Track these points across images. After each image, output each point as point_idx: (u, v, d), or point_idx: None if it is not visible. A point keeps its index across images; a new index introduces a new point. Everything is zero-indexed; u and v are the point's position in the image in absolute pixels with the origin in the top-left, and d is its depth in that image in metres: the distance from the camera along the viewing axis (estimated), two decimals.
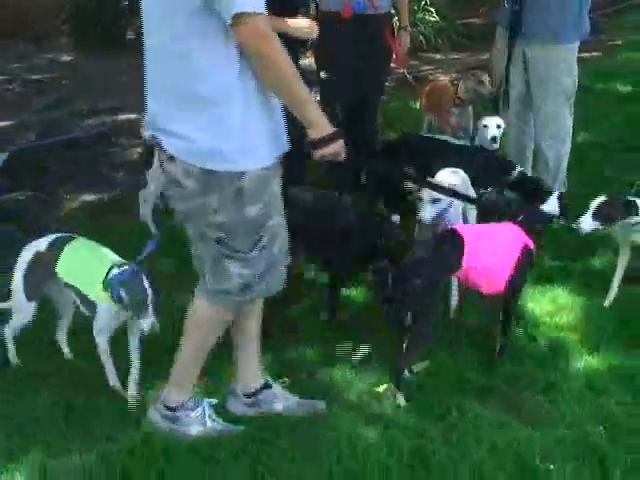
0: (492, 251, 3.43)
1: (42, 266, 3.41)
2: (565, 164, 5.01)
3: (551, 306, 3.89)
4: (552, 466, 2.87)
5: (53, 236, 3.49)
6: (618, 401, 3.26)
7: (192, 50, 2.56)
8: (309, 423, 3.08)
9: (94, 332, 3.30)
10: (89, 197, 5.72)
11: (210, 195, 2.69)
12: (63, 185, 5.84)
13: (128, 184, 5.75)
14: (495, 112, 5.10)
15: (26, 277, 3.42)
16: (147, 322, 3.11)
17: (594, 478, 2.83)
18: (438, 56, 9.53)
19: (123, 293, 3.12)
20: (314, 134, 2.68)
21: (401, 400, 3.24)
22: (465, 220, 4.18)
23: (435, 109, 5.62)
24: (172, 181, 2.75)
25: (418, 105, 6.29)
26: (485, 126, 4.90)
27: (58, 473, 2.83)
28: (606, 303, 3.97)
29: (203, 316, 3.00)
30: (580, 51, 4.99)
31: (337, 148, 2.71)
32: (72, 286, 3.35)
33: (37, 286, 3.44)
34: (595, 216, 3.69)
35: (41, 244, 3.45)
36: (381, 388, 3.34)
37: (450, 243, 3.41)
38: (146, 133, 2.79)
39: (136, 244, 3.58)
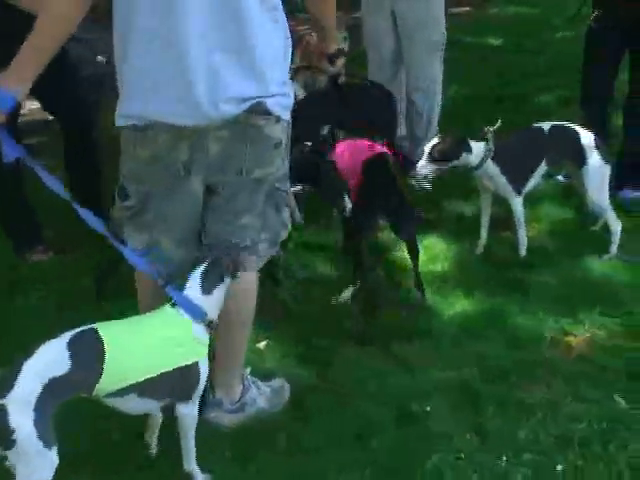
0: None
1: None
2: (437, 115, 5.09)
3: (425, 255, 3.97)
4: (428, 408, 2.95)
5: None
6: (491, 343, 3.36)
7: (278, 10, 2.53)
8: None
9: None
10: None
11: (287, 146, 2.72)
12: None
13: None
14: None
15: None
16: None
17: (469, 416, 2.92)
18: None
19: None
20: None
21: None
22: None
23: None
24: (270, 145, 2.63)
25: None
26: None
27: None
28: (477, 251, 4.09)
29: (252, 290, 2.87)
30: (450, 6, 5.05)
31: None
32: None
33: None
34: (430, 158, 3.81)
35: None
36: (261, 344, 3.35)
37: None
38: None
39: None
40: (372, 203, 3.60)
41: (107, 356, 2.30)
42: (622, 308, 3.54)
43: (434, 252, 4.10)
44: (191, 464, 2.61)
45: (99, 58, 5.69)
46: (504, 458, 2.72)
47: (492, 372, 3.16)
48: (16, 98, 2.50)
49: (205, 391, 2.75)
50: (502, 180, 3.93)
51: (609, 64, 4.55)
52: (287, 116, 2.65)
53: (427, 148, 3.86)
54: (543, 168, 4.02)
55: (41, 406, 2.16)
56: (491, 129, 3.89)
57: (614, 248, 4.03)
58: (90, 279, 3.73)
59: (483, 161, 3.87)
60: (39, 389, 2.17)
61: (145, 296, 2.85)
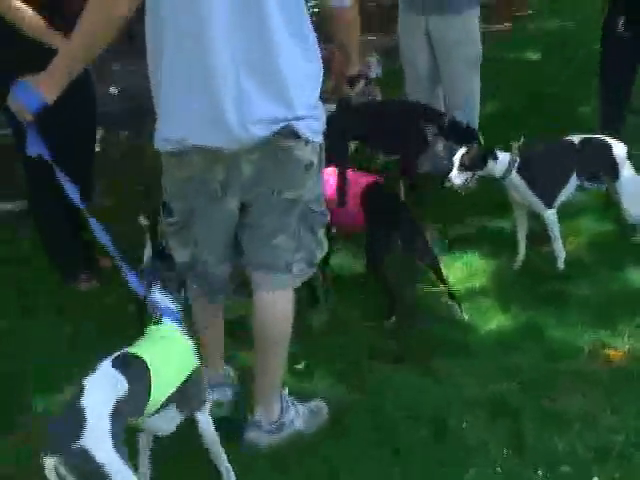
0: None
1: None
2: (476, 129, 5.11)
3: (463, 272, 3.99)
4: (465, 422, 2.97)
5: None
6: (528, 355, 3.37)
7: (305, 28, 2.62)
8: None
9: None
10: None
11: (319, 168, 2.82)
12: None
13: None
14: None
15: None
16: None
17: (505, 429, 2.94)
18: None
19: None
20: None
21: None
22: None
23: None
24: (301, 167, 2.73)
25: None
26: None
27: None
28: (515, 266, 4.09)
29: (288, 309, 2.92)
30: (490, 22, 5.08)
31: None
32: None
33: None
34: (460, 166, 3.86)
35: None
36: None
37: None
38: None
39: None
40: (382, 230, 3.69)
41: (152, 377, 2.36)
42: None
43: (472, 268, 4.12)
44: (224, 463, 2.70)
45: (112, 90, 5.81)
46: (540, 472, 2.73)
47: (529, 384, 3.18)
48: (45, 101, 2.63)
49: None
50: (529, 193, 3.93)
51: (630, 70, 4.56)
52: (318, 138, 2.73)
53: (456, 158, 3.89)
54: (575, 181, 4.02)
55: (115, 430, 2.11)
56: (516, 144, 3.91)
57: None
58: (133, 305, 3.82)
59: (508, 172, 3.88)
60: (108, 413, 2.13)
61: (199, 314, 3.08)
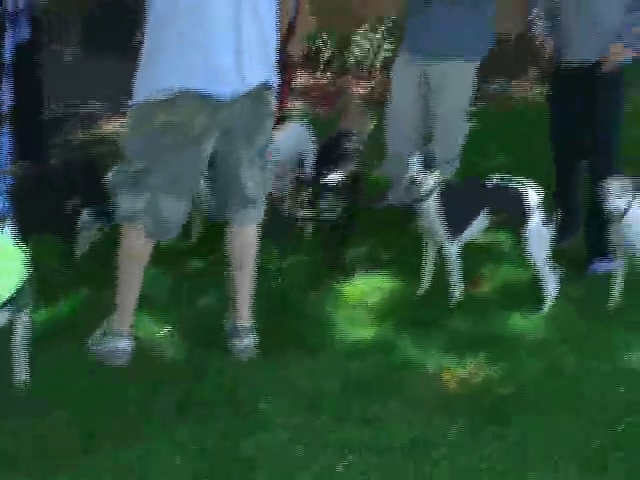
0: None
1: None
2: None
3: (362, 288, 4.32)
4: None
5: None
6: (371, 364, 3.60)
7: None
8: None
9: None
10: None
11: None
12: None
13: None
14: None
15: None
16: None
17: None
18: None
19: None
20: None
21: None
22: None
23: None
24: (271, 115, 3.51)
25: None
26: None
27: None
28: (418, 292, 4.30)
29: (257, 238, 3.64)
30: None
31: None
32: None
33: None
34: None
35: None
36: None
37: None
38: None
39: None
40: None
41: None
42: (509, 359, 3.67)
43: (372, 287, 4.33)
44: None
45: None
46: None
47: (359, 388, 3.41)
48: None
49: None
50: (438, 222, 4.09)
51: None
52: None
53: (418, 158, 4.12)
54: (484, 220, 4.17)
55: None
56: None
57: (546, 309, 4.12)
58: None
59: (429, 194, 4.08)
60: None
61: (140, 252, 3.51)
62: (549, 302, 4.12)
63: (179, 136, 3.23)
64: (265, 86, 3.37)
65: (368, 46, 10.09)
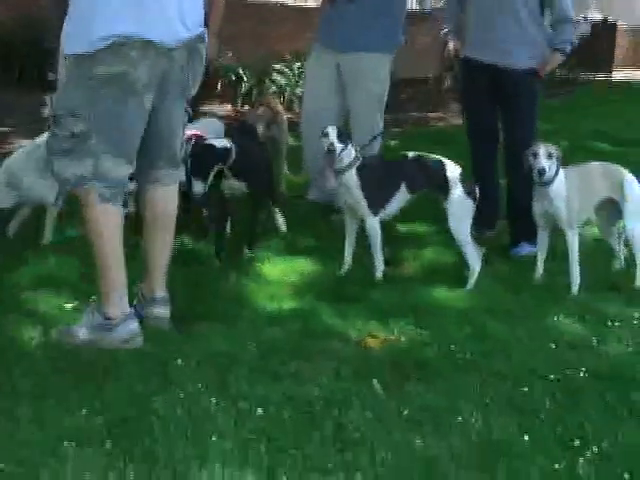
0: None
1: None
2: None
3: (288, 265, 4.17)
4: None
5: None
6: (287, 332, 3.42)
7: None
8: None
9: None
10: None
11: None
12: None
13: None
14: None
15: None
16: None
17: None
18: None
19: None
20: None
21: None
22: None
23: None
24: (202, 67, 3.37)
25: None
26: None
27: None
28: (341, 272, 4.16)
29: (177, 199, 3.53)
30: None
31: None
32: None
33: None
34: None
35: None
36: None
37: None
38: None
39: None
40: None
41: None
42: (435, 325, 3.54)
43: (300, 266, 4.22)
44: None
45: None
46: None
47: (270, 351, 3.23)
48: None
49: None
50: (360, 195, 3.98)
51: None
52: None
53: (333, 129, 3.98)
54: (404, 195, 4.07)
55: None
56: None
57: (470, 284, 4.00)
58: None
59: (349, 166, 3.97)
60: None
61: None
62: (474, 276, 4.02)
63: (123, 88, 3.03)
64: (200, 38, 3.24)
65: (285, 81, 10.14)
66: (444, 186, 4.03)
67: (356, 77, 5.08)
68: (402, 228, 4.84)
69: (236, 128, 5.05)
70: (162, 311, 3.40)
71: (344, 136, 4.00)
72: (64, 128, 3.08)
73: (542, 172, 3.86)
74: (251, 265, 4.16)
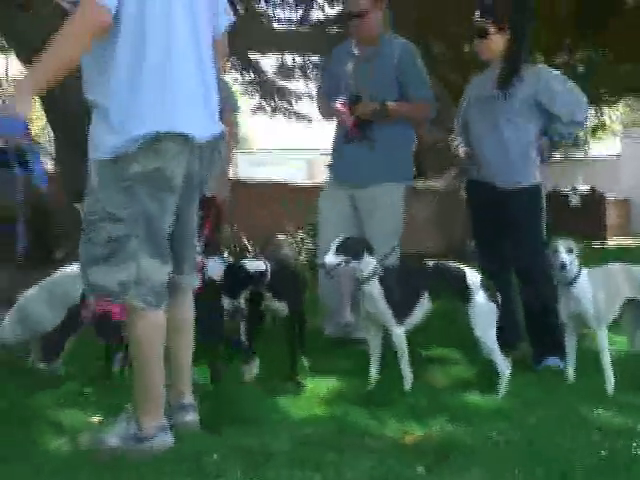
0: None
1: None
2: None
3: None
4: None
5: None
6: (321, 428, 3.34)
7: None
8: None
9: None
10: None
11: None
12: None
13: None
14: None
15: None
16: None
17: None
18: None
19: None
20: None
21: None
22: None
23: None
24: (218, 165, 3.45)
25: None
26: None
27: None
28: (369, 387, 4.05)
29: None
30: None
31: None
32: None
33: None
34: (336, 250, 3.88)
35: None
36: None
37: None
38: None
39: None
40: None
41: None
42: (472, 420, 3.47)
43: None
44: None
45: None
46: None
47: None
48: (25, 118, 2.84)
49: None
50: (384, 305, 3.94)
51: None
52: None
53: (335, 241, 3.93)
54: (427, 303, 4.07)
55: None
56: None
57: (502, 390, 3.94)
58: None
59: (372, 276, 3.94)
60: None
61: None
62: (505, 381, 3.96)
63: (159, 185, 3.00)
64: (222, 135, 3.27)
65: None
66: (465, 292, 4.04)
67: (371, 208, 5.10)
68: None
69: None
70: (192, 418, 3.32)
71: (356, 247, 3.94)
72: (101, 233, 2.98)
73: (564, 266, 3.89)
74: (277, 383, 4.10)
